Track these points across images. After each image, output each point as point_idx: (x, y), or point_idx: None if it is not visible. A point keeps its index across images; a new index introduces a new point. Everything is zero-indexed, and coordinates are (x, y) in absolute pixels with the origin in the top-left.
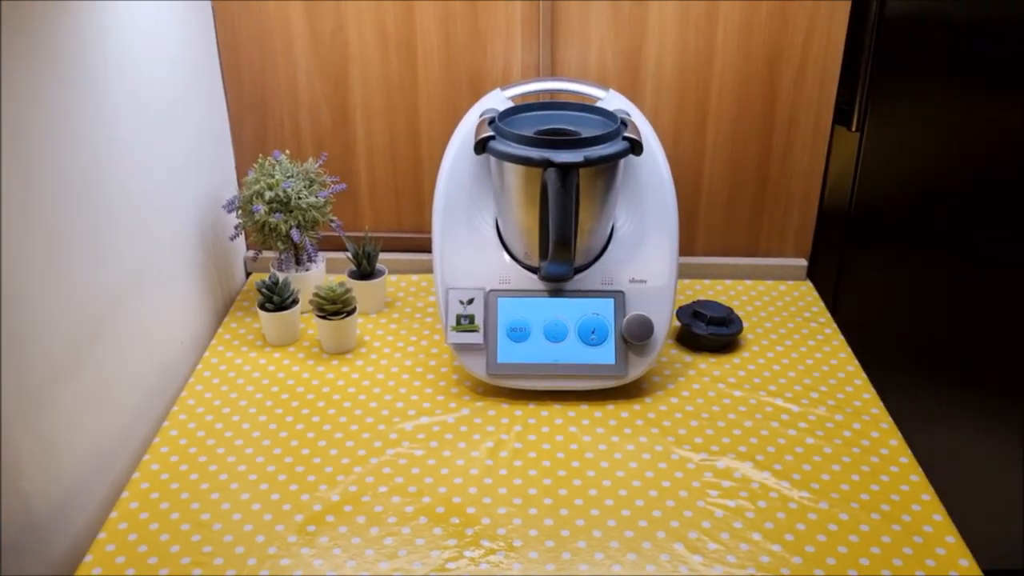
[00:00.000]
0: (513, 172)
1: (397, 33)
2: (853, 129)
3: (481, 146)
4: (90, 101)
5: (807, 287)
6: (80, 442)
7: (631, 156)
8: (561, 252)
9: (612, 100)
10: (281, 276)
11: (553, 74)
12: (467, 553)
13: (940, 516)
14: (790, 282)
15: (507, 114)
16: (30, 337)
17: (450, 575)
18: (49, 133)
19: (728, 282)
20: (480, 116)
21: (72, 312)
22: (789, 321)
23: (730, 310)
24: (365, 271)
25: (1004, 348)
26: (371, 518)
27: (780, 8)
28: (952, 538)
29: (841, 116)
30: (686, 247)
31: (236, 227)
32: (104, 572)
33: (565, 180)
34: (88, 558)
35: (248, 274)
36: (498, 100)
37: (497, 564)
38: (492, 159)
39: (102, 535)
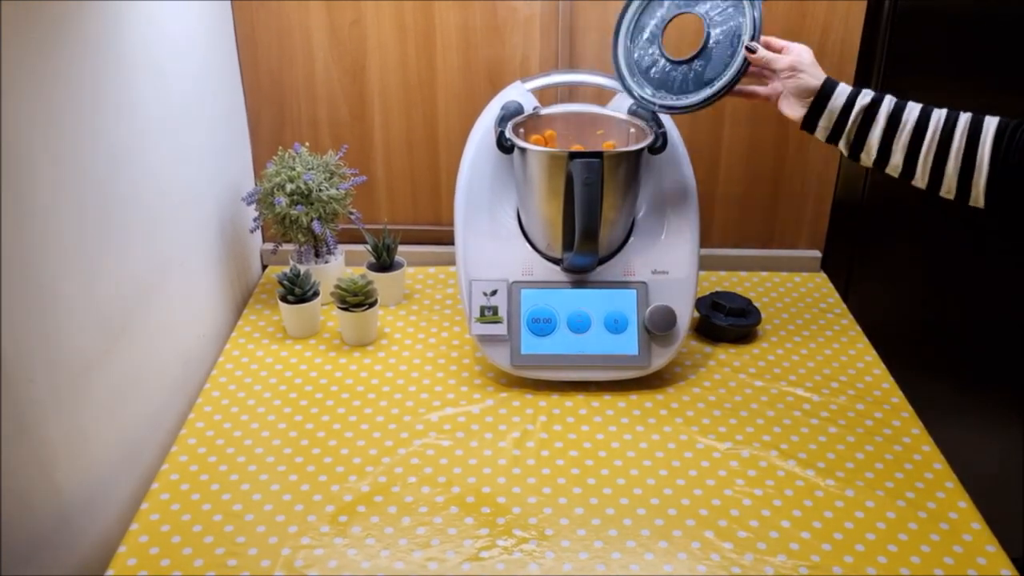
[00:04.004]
0: (537, 164)
1: (415, 25)
2: None
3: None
4: (114, 96)
5: (822, 278)
6: (110, 434)
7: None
8: (587, 243)
9: None
10: (302, 268)
11: (572, 66)
12: (500, 542)
13: (965, 503)
14: (804, 273)
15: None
16: (63, 331)
17: (484, 564)
18: (77, 130)
19: (743, 273)
20: (501, 109)
21: (102, 306)
22: (805, 312)
23: (748, 301)
24: (384, 263)
25: (1017, 339)
26: (402, 508)
27: (798, 3)
28: (978, 524)
29: None
30: (702, 239)
31: (255, 219)
32: (139, 563)
33: (590, 172)
34: (122, 549)
35: (264, 267)
36: (519, 92)
37: (530, 552)
38: (515, 151)
39: (135, 526)
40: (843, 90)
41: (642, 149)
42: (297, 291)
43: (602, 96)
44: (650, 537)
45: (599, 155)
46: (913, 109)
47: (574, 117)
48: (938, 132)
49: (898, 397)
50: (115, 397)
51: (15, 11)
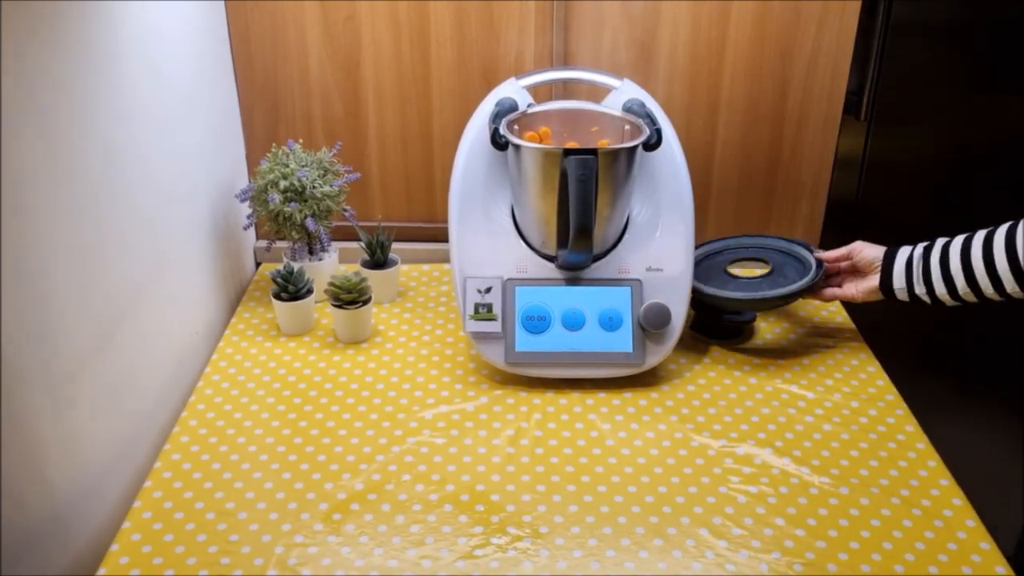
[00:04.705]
0: (531, 161)
1: (410, 22)
2: (861, 119)
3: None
4: (107, 93)
5: None
6: (103, 432)
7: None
8: (582, 240)
9: (627, 90)
10: (296, 266)
11: (566, 63)
12: (494, 540)
13: (959, 501)
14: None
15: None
16: (56, 329)
17: (478, 561)
18: (70, 128)
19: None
20: (496, 106)
21: (95, 304)
22: (800, 309)
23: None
24: (378, 260)
25: (1010, 339)
26: (396, 506)
27: (793, 0)
28: (972, 522)
29: (849, 105)
30: (697, 235)
31: (249, 216)
32: (131, 561)
33: (584, 168)
34: (114, 547)
35: (258, 264)
36: (513, 89)
37: (524, 551)
38: (510, 148)
39: (127, 524)
40: (904, 252)
41: (637, 146)
42: (291, 288)
43: (597, 93)
44: (644, 535)
45: (593, 152)
46: (954, 249)
47: (569, 114)
48: (983, 270)
49: (892, 395)
50: (108, 395)
51: (8, 9)
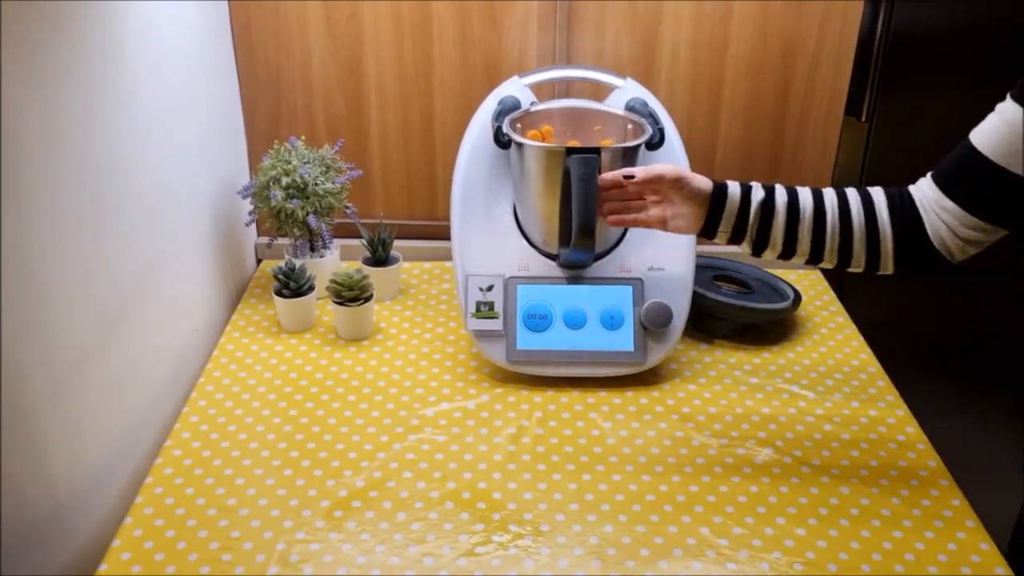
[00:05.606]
0: (534, 159)
1: (412, 19)
2: (863, 120)
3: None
4: (110, 89)
5: (817, 276)
6: (104, 427)
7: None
8: (584, 239)
9: (630, 88)
10: (297, 262)
11: (569, 62)
12: (495, 537)
13: (959, 501)
14: (800, 271)
15: None
16: (58, 324)
17: (479, 559)
18: (72, 124)
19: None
20: (498, 104)
21: (97, 299)
22: (800, 309)
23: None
24: (380, 258)
25: (1008, 340)
26: (397, 503)
27: (795, 1)
28: (972, 522)
29: (850, 106)
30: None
31: (251, 213)
32: (133, 557)
33: (587, 167)
34: (116, 543)
35: (259, 261)
36: (516, 87)
37: (525, 548)
38: (512, 146)
39: (128, 520)
40: (735, 189)
41: (639, 145)
42: (292, 285)
43: (599, 92)
44: (645, 533)
45: (596, 150)
46: (805, 196)
47: (571, 113)
48: (836, 216)
49: (892, 395)
50: (110, 390)
51: (9, 8)
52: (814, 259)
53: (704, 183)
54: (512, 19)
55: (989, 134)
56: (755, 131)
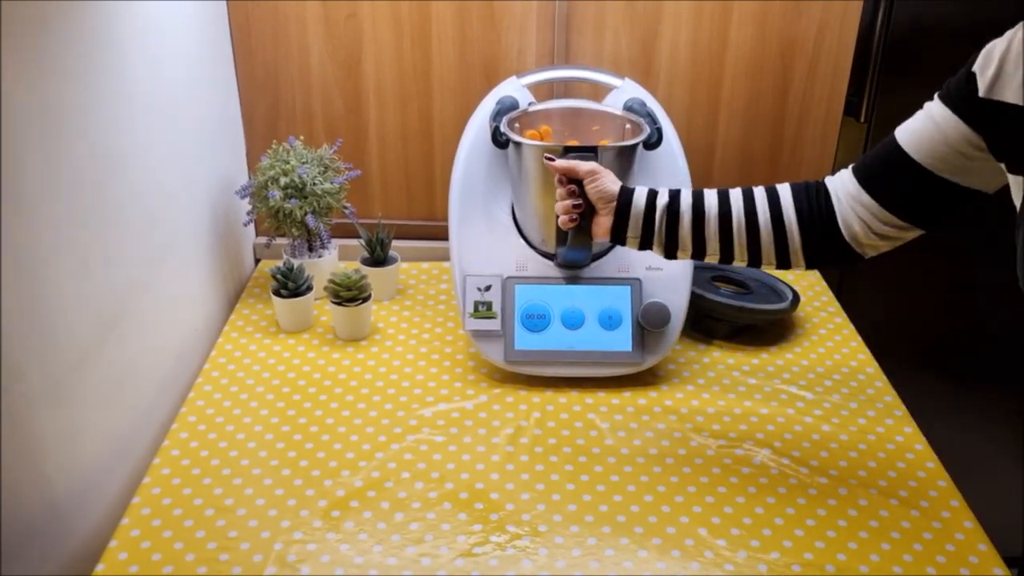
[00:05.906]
0: (532, 159)
1: (411, 19)
2: (862, 120)
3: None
4: (107, 89)
5: (815, 276)
6: (102, 428)
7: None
8: (581, 238)
9: (628, 89)
10: (295, 262)
11: (567, 62)
12: (493, 538)
13: (957, 502)
14: (798, 271)
15: None
16: (55, 325)
17: (477, 559)
18: (70, 124)
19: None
20: (496, 104)
21: (94, 299)
22: (799, 310)
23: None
24: (378, 258)
25: (1008, 340)
26: (395, 504)
27: (794, 1)
28: (970, 523)
29: (849, 107)
30: None
31: (249, 213)
32: (130, 557)
33: None
34: (113, 543)
35: (257, 261)
36: (514, 87)
37: (523, 549)
38: (510, 146)
39: (125, 520)
40: (640, 193)
41: (637, 145)
42: (290, 285)
43: (597, 92)
44: (643, 534)
45: (594, 150)
46: (710, 196)
47: (569, 112)
48: (742, 215)
49: (891, 396)
50: (107, 391)
51: (8, 7)
52: (725, 258)
53: (614, 183)
54: (511, 19)
55: (915, 133)
56: (754, 131)
